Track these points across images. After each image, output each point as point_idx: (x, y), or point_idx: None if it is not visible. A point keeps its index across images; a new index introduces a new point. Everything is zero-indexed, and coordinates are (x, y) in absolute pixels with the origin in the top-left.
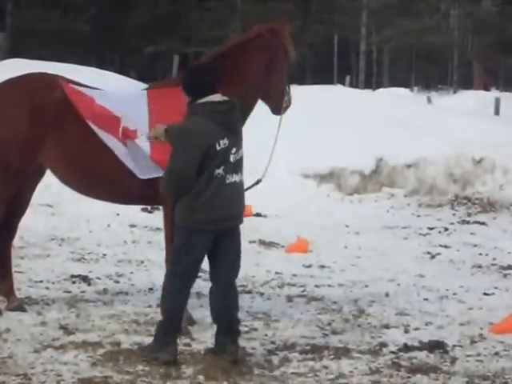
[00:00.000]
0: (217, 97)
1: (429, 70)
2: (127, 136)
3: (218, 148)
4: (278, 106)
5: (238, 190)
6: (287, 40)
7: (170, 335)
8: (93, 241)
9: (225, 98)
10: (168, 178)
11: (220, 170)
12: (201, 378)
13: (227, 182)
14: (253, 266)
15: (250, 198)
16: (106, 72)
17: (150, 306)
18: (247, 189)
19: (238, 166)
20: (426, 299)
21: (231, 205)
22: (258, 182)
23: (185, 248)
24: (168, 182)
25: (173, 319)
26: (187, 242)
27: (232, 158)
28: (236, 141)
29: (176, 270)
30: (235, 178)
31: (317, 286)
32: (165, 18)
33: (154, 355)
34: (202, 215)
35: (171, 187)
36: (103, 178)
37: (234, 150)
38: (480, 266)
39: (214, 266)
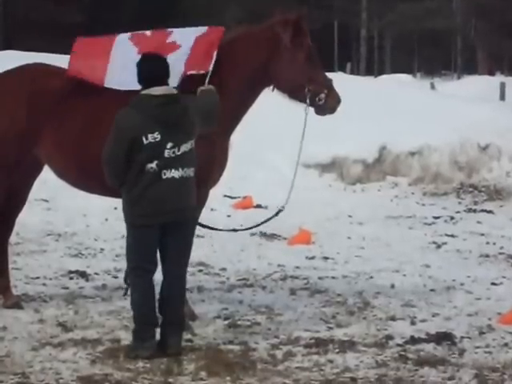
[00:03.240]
0: (158, 90)
1: (432, 55)
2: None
3: (146, 142)
4: (302, 102)
5: (179, 184)
6: (303, 32)
7: (144, 331)
8: (90, 235)
9: (166, 92)
10: (102, 165)
11: (153, 165)
12: (203, 373)
13: (164, 177)
14: (255, 258)
15: (251, 190)
16: None
17: None
18: (268, 219)
19: (178, 161)
20: (432, 290)
21: (170, 200)
22: (278, 213)
23: (133, 245)
24: (103, 169)
25: (141, 314)
26: (133, 238)
27: (167, 153)
28: (173, 135)
29: (130, 267)
30: (174, 173)
31: (320, 278)
32: (158, 7)
33: (134, 353)
34: (139, 209)
35: (106, 175)
36: (101, 170)
37: (169, 144)
38: (487, 256)
39: (162, 260)
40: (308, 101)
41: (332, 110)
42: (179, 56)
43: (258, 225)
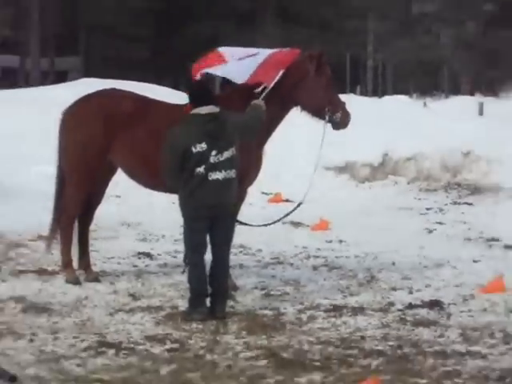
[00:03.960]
0: (204, 109)
1: (425, 79)
2: None
3: (195, 151)
4: (322, 119)
5: (222, 184)
6: (324, 65)
7: (197, 299)
8: (154, 224)
9: (210, 111)
10: (161, 171)
11: (201, 169)
12: (244, 333)
13: (209, 178)
14: (284, 242)
15: (281, 188)
16: (162, 88)
17: None
18: (289, 213)
19: (221, 165)
20: (425, 266)
21: (214, 196)
22: (298, 205)
23: (187, 232)
24: (162, 174)
25: (195, 286)
26: (187, 227)
27: (212, 159)
28: (216, 145)
29: (187, 249)
30: (218, 175)
31: (336, 257)
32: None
33: (189, 317)
34: (190, 204)
35: (164, 179)
36: (160, 171)
37: (213, 152)
38: (469, 239)
39: (211, 244)
40: (327, 118)
41: (345, 126)
42: (252, 62)
43: (281, 218)
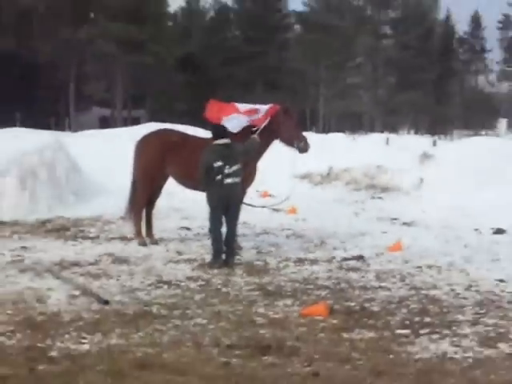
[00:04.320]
0: (221, 141)
1: (353, 123)
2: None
3: (215, 166)
4: (292, 147)
5: (232, 186)
6: (292, 114)
7: (217, 255)
8: (191, 210)
9: (224, 142)
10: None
11: (219, 177)
12: (245, 275)
13: (224, 183)
14: (269, 220)
15: (268, 187)
16: (196, 128)
17: None
18: (278, 203)
19: (231, 175)
20: (353, 236)
21: (227, 195)
22: (286, 199)
23: (211, 215)
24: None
25: (216, 247)
26: (211, 212)
27: (226, 171)
28: (229, 162)
29: (211, 225)
30: (229, 181)
31: (301, 230)
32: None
33: (212, 265)
34: (213, 199)
35: (199, 183)
36: (195, 178)
37: (227, 167)
38: (381, 219)
39: (226, 222)
40: (295, 146)
41: (306, 151)
42: (255, 116)
43: (274, 205)
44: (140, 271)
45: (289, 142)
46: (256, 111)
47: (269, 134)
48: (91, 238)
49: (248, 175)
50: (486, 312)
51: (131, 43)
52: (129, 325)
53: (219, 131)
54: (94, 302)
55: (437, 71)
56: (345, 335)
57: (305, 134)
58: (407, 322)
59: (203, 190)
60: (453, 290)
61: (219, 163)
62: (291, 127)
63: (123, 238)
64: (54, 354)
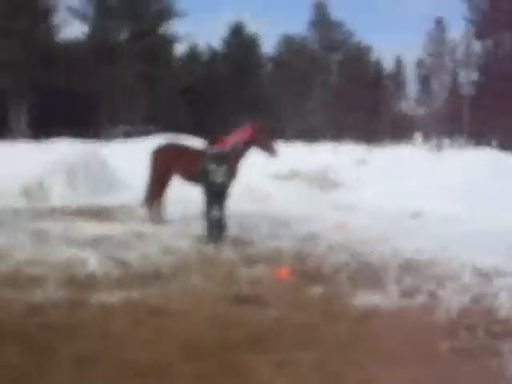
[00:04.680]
0: (214, 148)
1: (311, 134)
2: None
3: (211, 168)
4: (271, 154)
5: (223, 182)
6: (266, 127)
7: (211, 232)
8: (191, 199)
9: (217, 149)
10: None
11: (213, 175)
12: (232, 247)
13: (217, 180)
14: (250, 207)
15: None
16: (197, 138)
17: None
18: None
19: (223, 174)
20: (309, 218)
21: (219, 186)
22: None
23: (207, 201)
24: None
25: (209, 225)
26: (207, 199)
27: (217, 171)
28: (220, 165)
29: (206, 209)
30: (221, 178)
31: (275, 214)
32: (222, 118)
33: (208, 240)
34: (209, 191)
35: (198, 179)
36: (194, 176)
37: (219, 168)
38: (330, 206)
39: (217, 209)
40: (268, 152)
41: (276, 155)
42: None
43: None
44: (153, 243)
45: (264, 149)
46: (238, 134)
47: (247, 143)
48: (118, 220)
49: (233, 171)
50: (406, 273)
51: (147, 77)
52: (145, 282)
53: (212, 140)
54: (120, 265)
55: (371, 99)
56: (303, 290)
57: (275, 144)
58: (349, 281)
59: (200, 185)
60: (382, 256)
61: (214, 166)
62: (266, 138)
63: (142, 220)
64: (90, 303)
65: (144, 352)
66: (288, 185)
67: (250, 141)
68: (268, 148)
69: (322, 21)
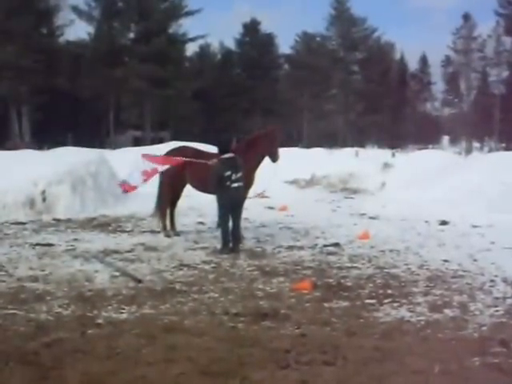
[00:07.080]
0: (228, 155)
1: (329, 140)
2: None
3: (225, 175)
4: (274, 160)
5: (237, 189)
6: (276, 133)
7: (225, 243)
8: (204, 209)
9: (230, 156)
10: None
11: (228, 183)
12: (247, 258)
13: (232, 187)
14: (265, 216)
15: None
16: (207, 145)
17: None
18: (258, 195)
19: (237, 180)
20: (331, 227)
21: (234, 197)
22: (263, 192)
23: (221, 213)
24: (209, 186)
25: (224, 236)
26: (221, 210)
27: (233, 177)
28: (235, 171)
29: (221, 220)
30: (236, 185)
31: (290, 223)
32: (229, 125)
33: (222, 252)
34: (222, 199)
35: (211, 188)
36: (206, 182)
37: (234, 175)
38: (352, 214)
39: (232, 219)
40: (272, 158)
41: (277, 161)
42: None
43: (259, 195)
44: (165, 257)
45: (271, 156)
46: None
47: (263, 150)
48: (127, 231)
49: (248, 181)
50: (435, 285)
51: (157, 80)
52: (157, 298)
53: (224, 147)
54: (130, 281)
55: (394, 99)
56: (325, 304)
57: (290, 149)
58: (373, 294)
59: (213, 193)
60: (409, 268)
61: (228, 172)
62: (275, 146)
63: (152, 231)
64: (99, 321)
65: (157, 372)
66: (307, 193)
67: (262, 153)
68: (274, 155)
69: (341, 16)
